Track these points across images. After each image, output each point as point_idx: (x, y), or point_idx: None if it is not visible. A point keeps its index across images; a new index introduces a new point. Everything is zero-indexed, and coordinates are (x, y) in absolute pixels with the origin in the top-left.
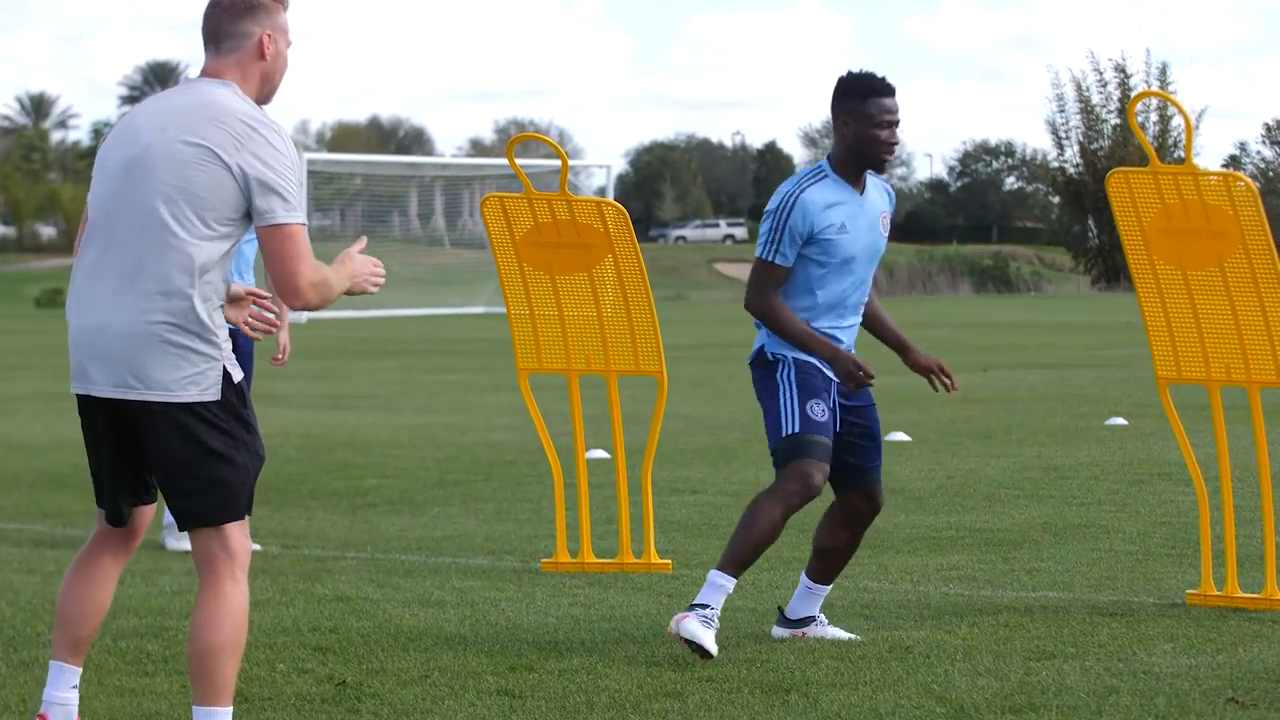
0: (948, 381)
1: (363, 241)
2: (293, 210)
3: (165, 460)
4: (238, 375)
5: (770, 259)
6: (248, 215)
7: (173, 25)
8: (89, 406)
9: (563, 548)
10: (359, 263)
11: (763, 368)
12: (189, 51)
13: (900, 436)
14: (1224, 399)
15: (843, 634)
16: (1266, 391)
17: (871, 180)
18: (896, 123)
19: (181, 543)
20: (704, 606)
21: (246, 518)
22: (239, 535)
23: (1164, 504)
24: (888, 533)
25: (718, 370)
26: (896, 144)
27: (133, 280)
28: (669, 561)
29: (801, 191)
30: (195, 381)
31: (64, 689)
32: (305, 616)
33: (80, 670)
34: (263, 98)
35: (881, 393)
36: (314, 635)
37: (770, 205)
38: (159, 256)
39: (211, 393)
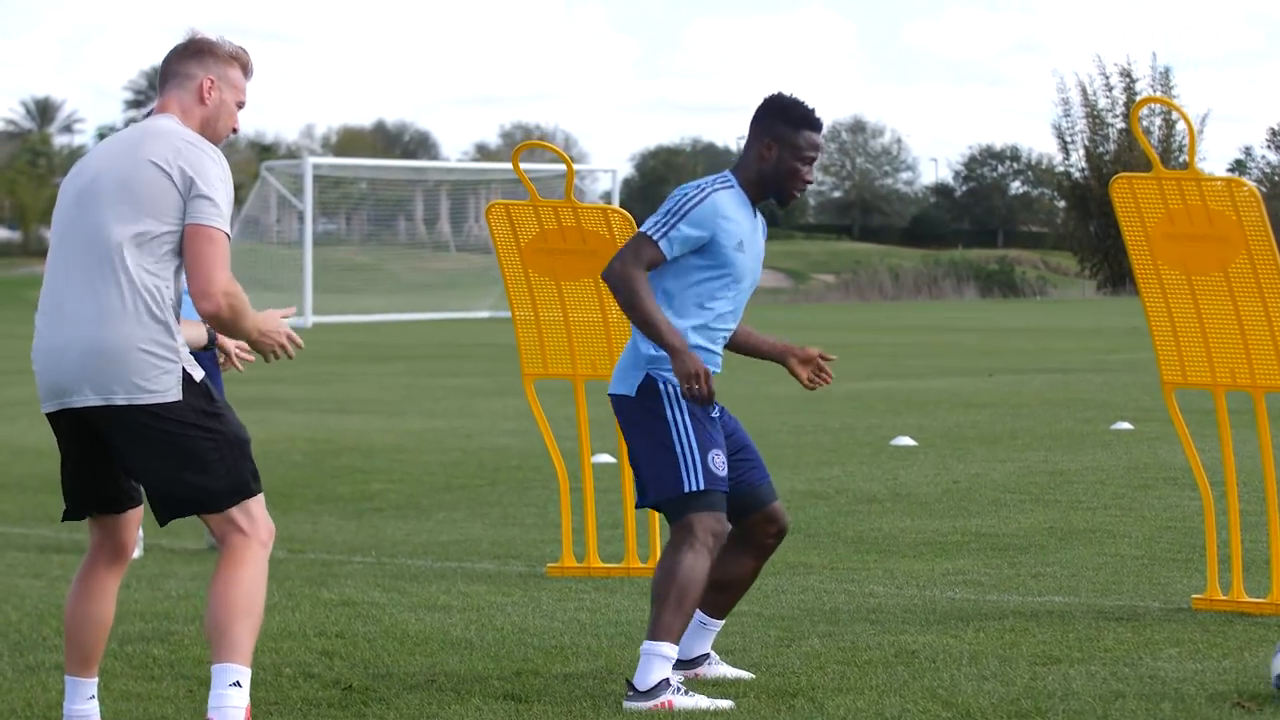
0: (826, 373)
1: (291, 310)
2: (220, 218)
3: (147, 464)
4: (198, 374)
5: (655, 238)
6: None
7: (175, 31)
8: (59, 423)
9: (568, 552)
10: (274, 321)
11: (645, 401)
12: None
13: (906, 441)
14: (1229, 404)
15: (734, 672)
16: (1272, 396)
17: (759, 220)
18: (816, 159)
19: None
20: (661, 687)
21: (259, 495)
22: (255, 512)
23: (1169, 509)
24: (894, 537)
25: (724, 374)
26: (810, 183)
27: (90, 299)
28: None
29: (715, 191)
30: (156, 385)
31: (81, 701)
32: (311, 621)
33: (95, 681)
34: None
35: (886, 397)
36: (320, 640)
37: (678, 193)
38: (112, 273)
39: (174, 394)
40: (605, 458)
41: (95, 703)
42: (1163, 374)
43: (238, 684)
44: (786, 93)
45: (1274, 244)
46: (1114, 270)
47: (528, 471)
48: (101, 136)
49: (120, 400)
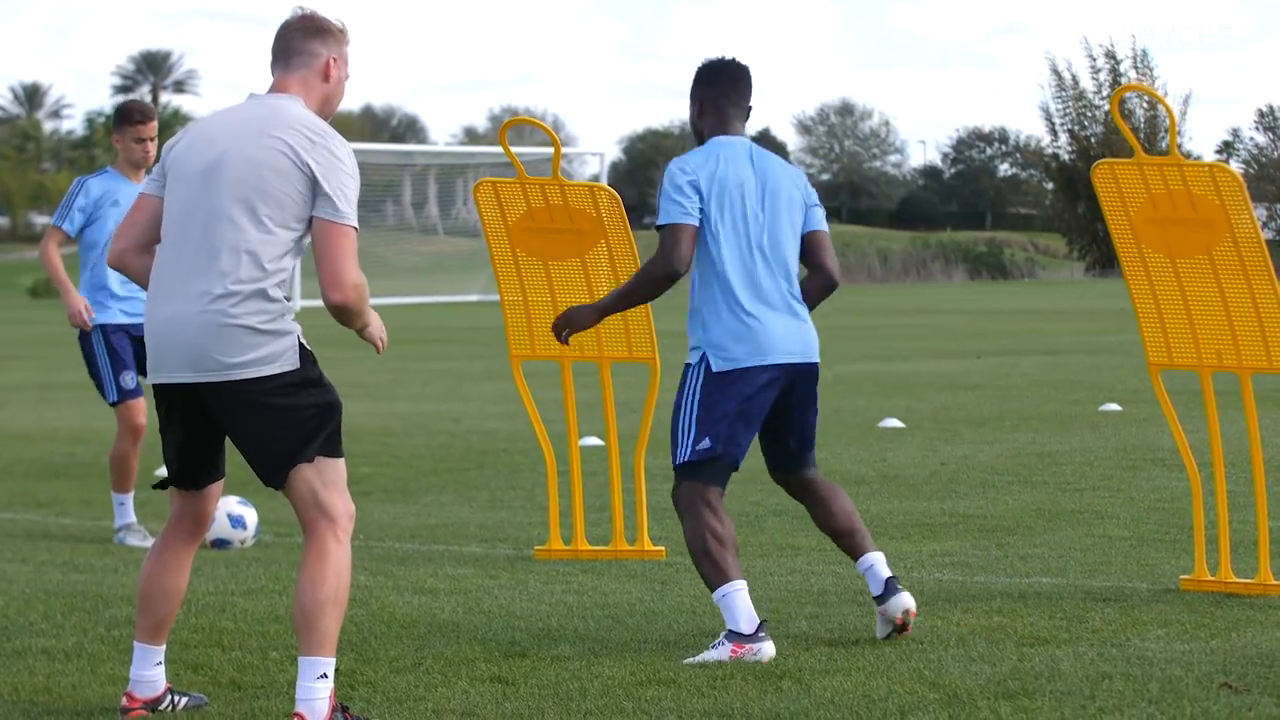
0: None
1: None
2: (349, 214)
3: (251, 432)
4: (306, 342)
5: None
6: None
7: (158, 15)
8: (166, 394)
9: (556, 535)
10: (379, 319)
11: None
12: (178, 42)
13: (894, 423)
14: (1216, 385)
15: (903, 600)
16: (1258, 377)
17: None
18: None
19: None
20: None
21: (344, 469)
22: (337, 498)
23: (1157, 489)
24: (882, 519)
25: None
26: None
27: (206, 278)
28: (663, 548)
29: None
30: (270, 358)
31: (148, 668)
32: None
33: (163, 649)
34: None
35: (874, 379)
36: None
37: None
38: (231, 253)
39: (290, 361)
40: (593, 440)
41: (162, 669)
42: (1149, 356)
43: (325, 675)
44: (715, 56)
45: (1257, 226)
46: (1102, 252)
47: (515, 455)
48: (90, 122)
49: (230, 376)
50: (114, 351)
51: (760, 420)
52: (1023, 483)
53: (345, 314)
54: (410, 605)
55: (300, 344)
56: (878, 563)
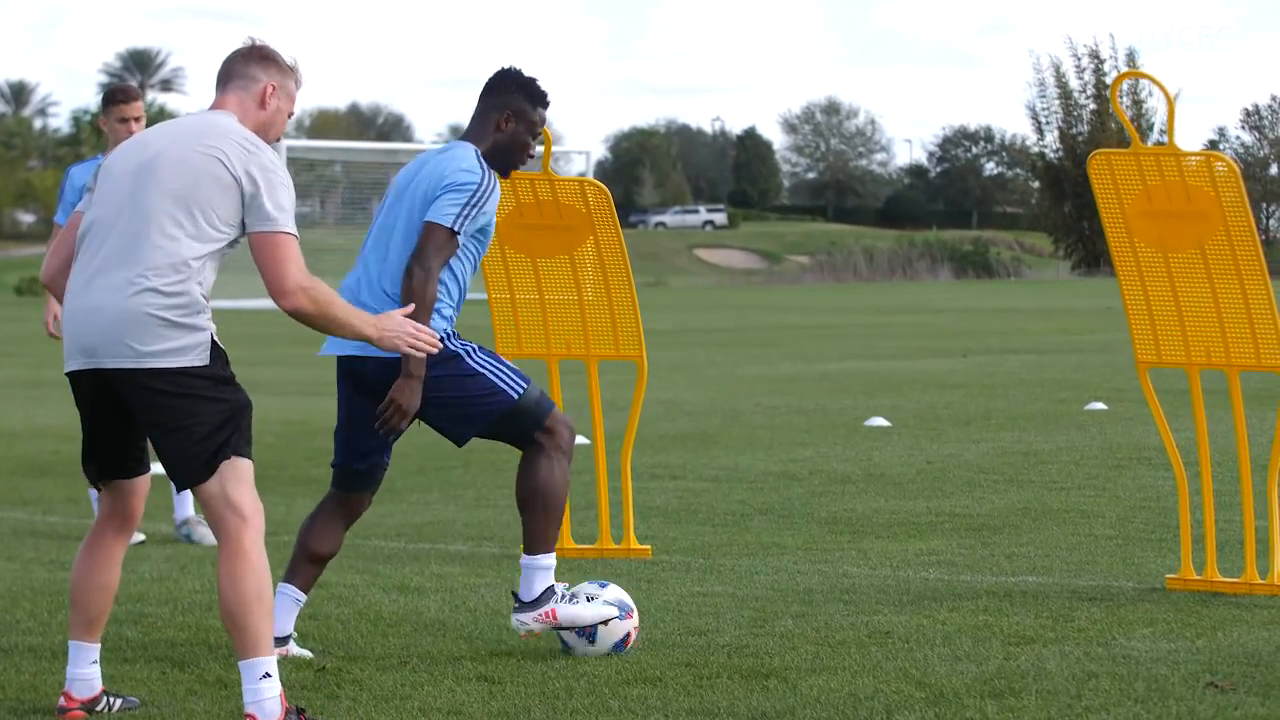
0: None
1: (410, 307)
2: (285, 221)
3: (163, 428)
4: (217, 340)
5: (458, 231)
6: (243, 225)
7: (143, 13)
8: (81, 383)
9: None
10: (395, 320)
11: (446, 363)
12: (163, 40)
13: (880, 422)
14: (1204, 383)
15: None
16: (1246, 375)
17: None
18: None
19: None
20: (547, 595)
21: (251, 467)
22: (246, 495)
23: (1143, 488)
24: (867, 518)
25: (698, 355)
26: (533, 157)
27: (127, 269)
28: (648, 547)
29: (493, 174)
30: (183, 350)
31: (84, 665)
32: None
33: (98, 647)
34: None
35: (860, 377)
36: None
37: (468, 179)
38: (155, 248)
39: (200, 357)
40: (579, 439)
41: (97, 667)
42: (1137, 353)
43: (268, 675)
44: (516, 67)
45: (1252, 220)
46: (1088, 251)
47: (502, 453)
48: (77, 120)
49: (142, 364)
50: None
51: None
52: (1009, 482)
53: (306, 318)
54: (396, 604)
55: (213, 342)
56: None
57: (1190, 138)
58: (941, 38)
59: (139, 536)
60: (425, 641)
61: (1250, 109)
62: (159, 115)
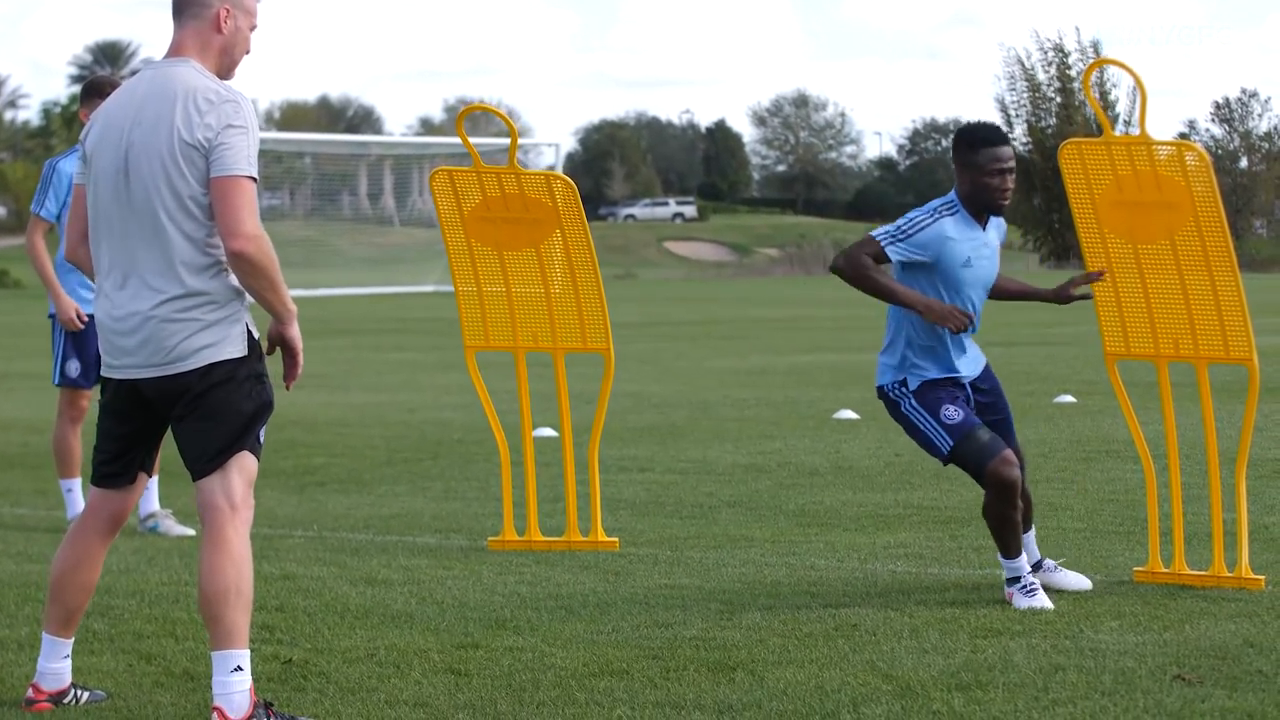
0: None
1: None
2: (241, 166)
3: (189, 419)
4: (255, 331)
5: (880, 241)
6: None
7: (112, 5)
8: (113, 388)
9: (510, 526)
10: (299, 340)
11: (888, 402)
12: (134, 31)
13: (848, 414)
14: (1172, 376)
15: (1074, 579)
16: (1214, 368)
17: (993, 221)
18: (1010, 170)
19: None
20: (1015, 580)
21: (252, 479)
22: (246, 491)
23: (1112, 481)
24: (835, 511)
25: (665, 348)
26: (1010, 190)
27: (145, 273)
28: (616, 539)
29: (941, 217)
30: (221, 345)
31: (56, 660)
32: (253, 595)
33: (71, 642)
34: (222, 71)
35: (829, 370)
36: (260, 614)
37: (912, 213)
38: (169, 248)
39: (239, 349)
40: (547, 431)
41: (69, 662)
42: (1105, 345)
43: (239, 669)
44: (971, 121)
45: (1222, 210)
46: (1057, 243)
47: (470, 445)
48: (47, 113)
49: (181, 368)
50: (74, 337)
51: None
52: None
53: (247, 266)
54: (363, 596)
55: (249, 333)
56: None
57: (1160, 130)
58: (909, 30)
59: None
60: (392, 634)
61: (1220, 102)
62: None
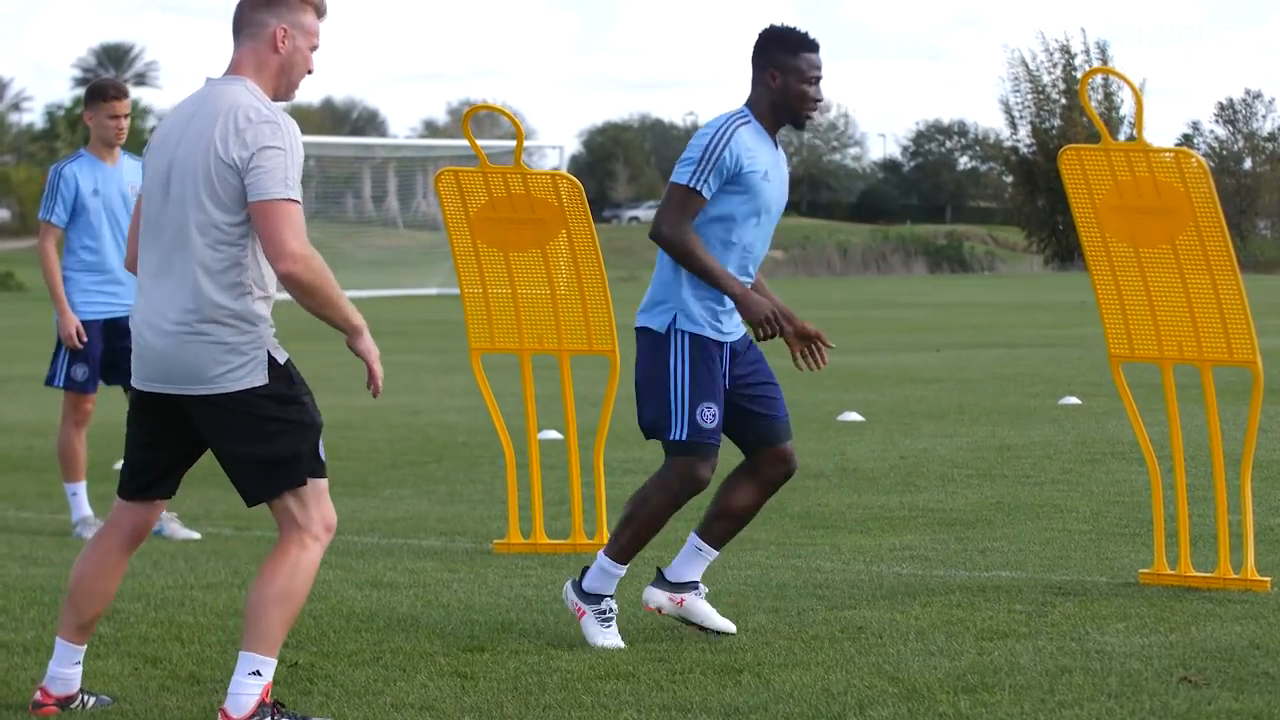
0: (820, 355)
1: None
2: (279, 190)
3: (223, 446)
4: (282, 357)
5: (695, 187)
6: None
7: (114, 8)
8: (142, 400)
9: (515, 529)
10: (373, 347)
11: (650, 337)
12: (137, 34)
13: (854, 416)
14: (1176, 378)
15: (718, 620)
16: (1219, 370)
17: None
18: (820, 78)
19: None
20: (597, 599)
21: (324, 484)
22: (315, 513)
23: (1117, 483)
24: (841, 513)
25: None
26: (821, 100)
27: (171, 286)
28: None
29: (735, 128)
30: (238, 371)
31: (67, 665)
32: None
33: (84, 649)
34: (280, 91)
35: (835, 373)
36: None
37: (702, 136)
38: (190, 263)
39: (259, 378)
40: (552, 434)
41: (79, 668)
42: (1110, 348)
43: (257, 673)
44: (778, 23)
45: (1221, 217)
46: (1062, 245)
47: (475, 448)
48: (50, 115)
49: (202, 390)
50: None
51: None
52: (982, 476)
53: (298, 288)
54: (369, 599)
55: (271, 359)
56: None
57: (1164, 131)
58: (911, 31)
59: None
60: (398, 637)
61: (1224, 103)
62: (133, 109)
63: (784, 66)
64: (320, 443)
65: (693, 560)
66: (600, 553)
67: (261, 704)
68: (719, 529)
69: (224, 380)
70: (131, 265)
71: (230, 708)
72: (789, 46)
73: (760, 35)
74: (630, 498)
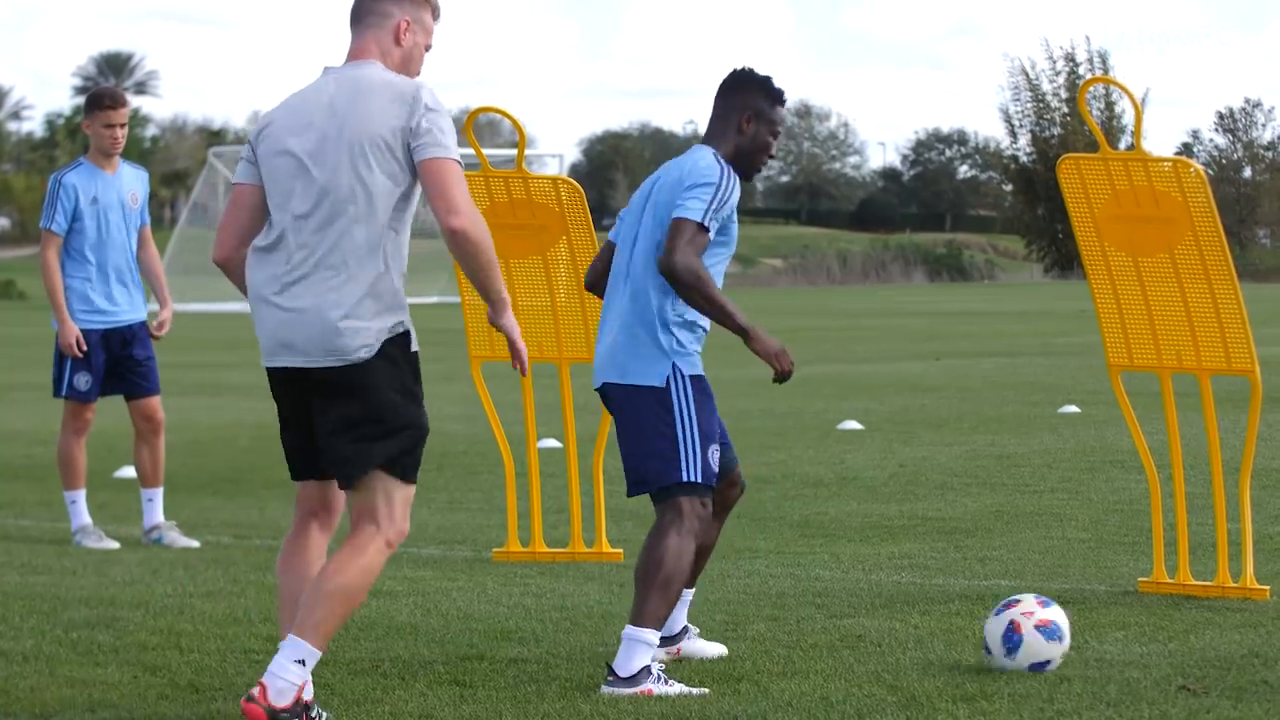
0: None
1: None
2: (446, 148)
3: (345, 415)
4: (414, 345)
5: (707, 225)
6: (414, 174)
7: (113, 16)
8: (282, 380)
9: (514, 537)
10: (515, 325)
11: (649, 394)
12: (137, 42)
13: (853, 425)
14: (1175, 386)
15: (714, 649)
16: (1217, 379)
17: None
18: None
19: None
20: (645, 673)
21: (410, 499)
22: (399, 514)
23: (1116, 491)
24: (840, 521)
25: None
26: (774, 156)
27: (321, 266)
28: (620, 551)
29: (734, 175)
30: (378, 336)
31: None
32: (257, 607)
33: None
34: None
35: (835, 381)
36: (265, 626)
37: (710, 177)
38: (338, 243)
39: (402, 338)
40: (551, 442)
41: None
42: (1109, 357)
43: (302, 662)
44: (752, 67)
45: (1219, 226)
46: (1061, 254)
47: (474, 457)
48: (50, 124)
49: (347, 359)
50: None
51: None
52: (981, 485)
53: (466, 244)
54: (368, 607)
55: (409, 335)
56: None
57: (1164, 140)
58: (911, 40)
59: (114, 544)
60: (397, 645)
61: (1224, 112)
62: (133, 118)
63: (761, 115)
64: (421, 452)
65: (677, 608)
66: (631, 626)
67: (297, 701)
68: (694, 567)
69: (361, 354)
70: (225, 261)
71: (270, 689)
72: (772, 97)
73: (737, 76)
74: (639, 565)
